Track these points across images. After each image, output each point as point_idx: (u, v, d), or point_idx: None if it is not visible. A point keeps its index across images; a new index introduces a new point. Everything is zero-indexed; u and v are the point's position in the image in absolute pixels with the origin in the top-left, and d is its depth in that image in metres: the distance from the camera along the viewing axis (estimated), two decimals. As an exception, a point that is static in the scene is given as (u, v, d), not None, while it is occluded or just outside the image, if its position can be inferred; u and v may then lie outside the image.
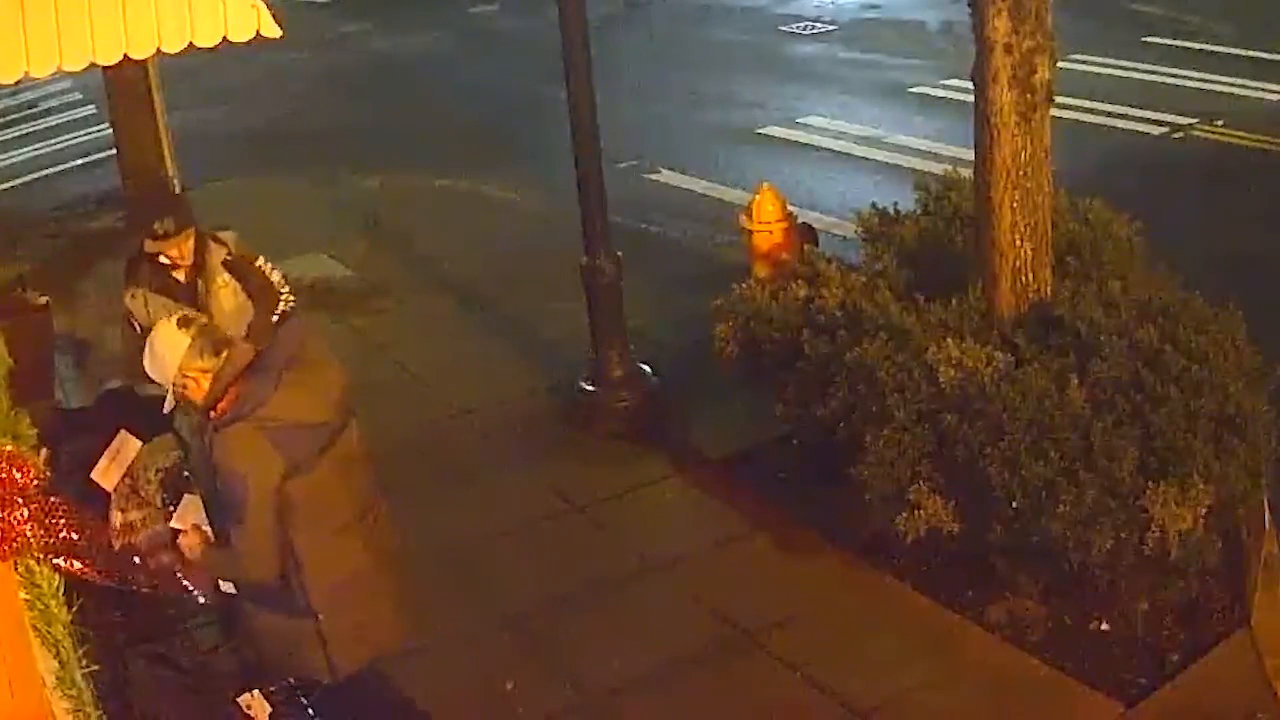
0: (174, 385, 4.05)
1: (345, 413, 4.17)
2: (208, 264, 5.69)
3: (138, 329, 5.55)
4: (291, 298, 5.89)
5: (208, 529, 4.27)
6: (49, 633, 3.39)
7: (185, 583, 4.61)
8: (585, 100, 6.95)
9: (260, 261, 5.82)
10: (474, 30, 19.28)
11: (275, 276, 5.86)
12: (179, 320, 4.14)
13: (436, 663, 5.04)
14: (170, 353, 4.03)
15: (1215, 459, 5.15)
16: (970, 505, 5.28)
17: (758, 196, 7.72)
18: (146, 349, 4.14)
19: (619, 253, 7.23)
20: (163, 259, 5.62)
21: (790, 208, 7.86)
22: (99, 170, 13.19)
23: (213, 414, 4.02)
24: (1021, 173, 5.63)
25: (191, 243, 5.61)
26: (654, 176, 11.90)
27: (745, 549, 6.20)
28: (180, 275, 5.66)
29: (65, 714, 3.30)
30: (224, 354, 4.03)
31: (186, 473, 5.01)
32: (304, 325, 4.28)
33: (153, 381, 4.21)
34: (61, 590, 3.58)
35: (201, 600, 4.75)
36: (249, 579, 4.11)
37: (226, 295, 5.69)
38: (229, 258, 5.74)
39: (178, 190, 11.02)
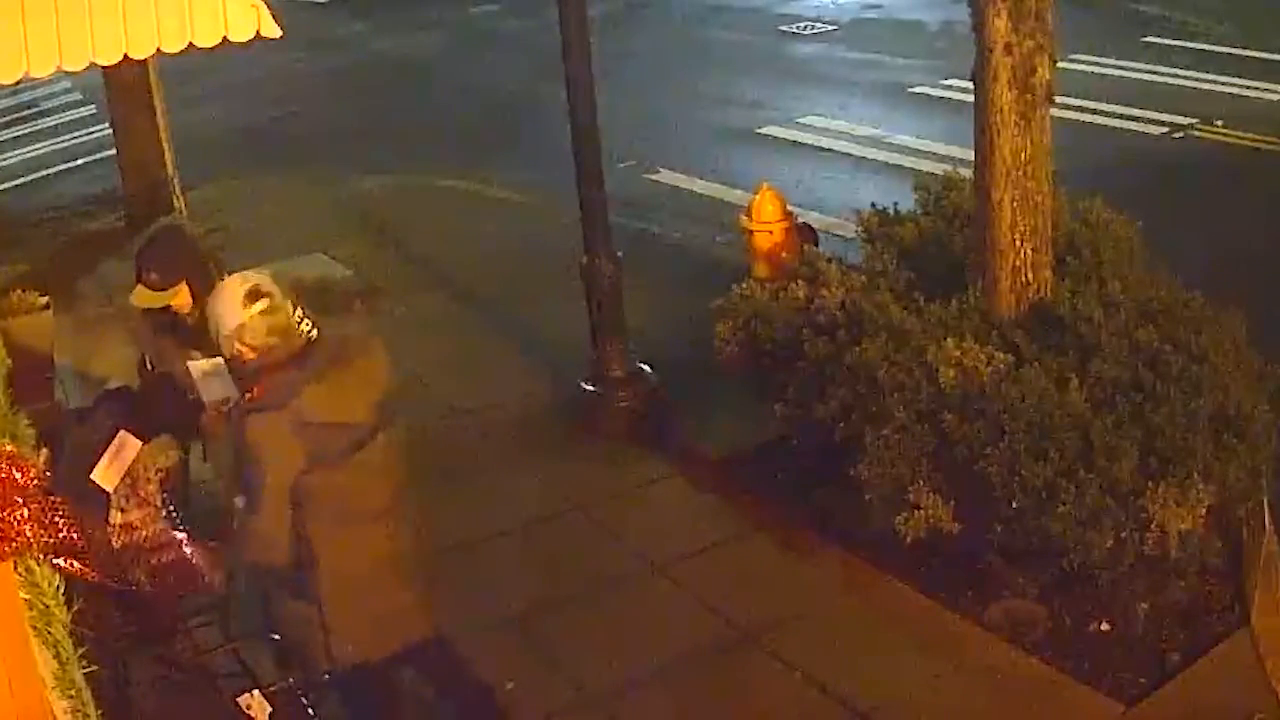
0: (226, 345, 4.14)
1: (382, 417, 4.18)
2: None
3: (150, 367, 5.27)
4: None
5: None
6: (49, 633, 3.39)
7: (195, 564, 4.64)
8: (585, 100, 6.95)
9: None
10: (474, 30, 19.29)
11: (305, 327, 5.22)
12: (249, 292, 4.14)
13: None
14: (226, 316, 4.11)
15: (1215, 459, 5.15)
16: (970, 505, 5.28)
17: (758, 196, 7.73)
18: (213, 297, 4.21)
19: (619, 253, 7.23)
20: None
21: (790, 208, 7.87)
22: (99, 170, 13.20)
23: (248, 396, 4.10)
24: (1021, 173, 5.63)
25: (186, 293, 5.01)
26: (654, 176, 11.91)
27: (745, 549, 6.20)
28: (189, 318, 5.11)
29: (65, 714, 3.29)
30: (276, 341, 4.09)
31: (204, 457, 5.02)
32: (354, 327, 4.35)
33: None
34: (61, 590, 3.58)
35: (212, 587, 4.77)
36: (262, 561, 4.17)
37: None
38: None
39: (178, 193, 11.02)
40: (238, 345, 4.11)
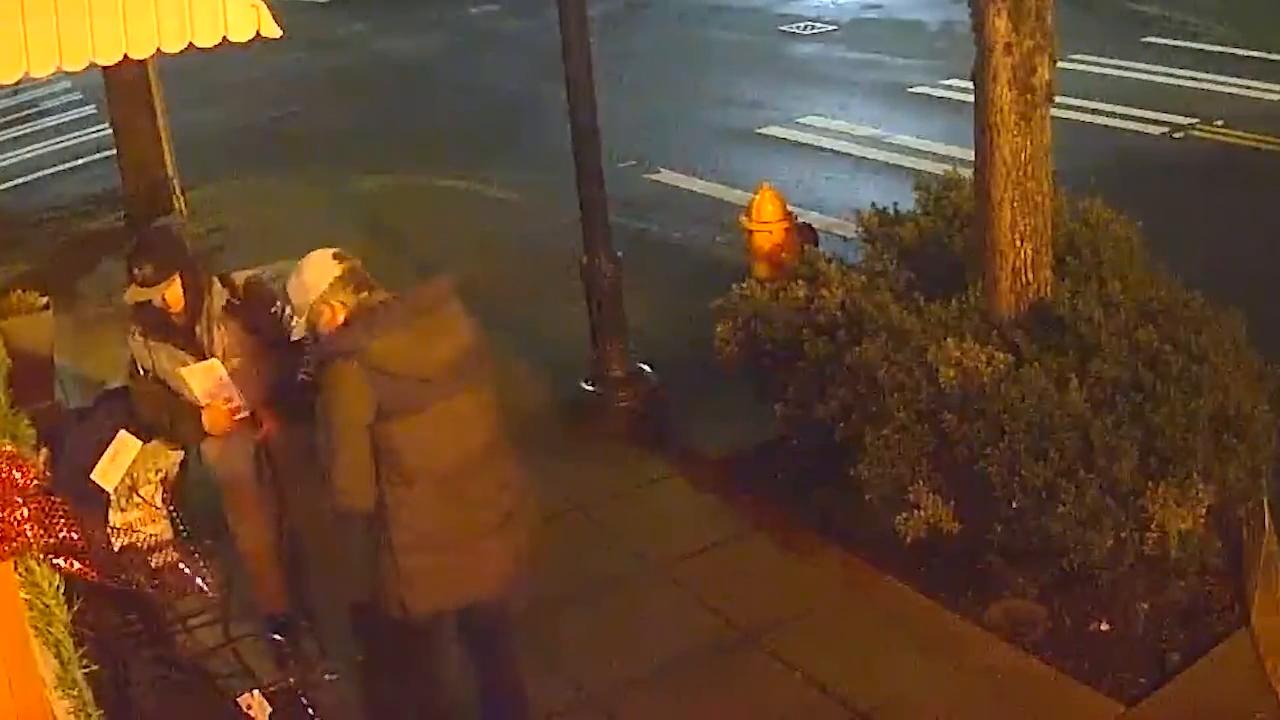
0: (311, 309, 4.23)
1: (459, 378, 4.26)
2: (207, 309, 5.10)
3: (141, 371, 5.19)
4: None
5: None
6: (49, 633, 3.39)
7: (188, 572, 4.64)
8: (585, 100, 6.95)
9: (276, 309, 5.17)
10: (474, 30, 19.28)
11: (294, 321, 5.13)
12: (335, 252, 4.30)
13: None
14: (317, 278, 4.23)
15: (1215, 459, 5.15)
16: (970, 505, 5.28)
17: (758, 196, 7.72)
18: (294, 273, 4.30)
19: (619, 253, 7.23)
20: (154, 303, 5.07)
21: (790, 208, 7.86)
22: (99, 170, 13.19)
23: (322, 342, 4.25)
24: (1021, 173, 5.63)
25: (178, 287, 5.00)
26: (654, 176, 11.90)
27: (745, 549, 6.20)
28: (178, 319, 5.10)
29: (65, 714, 3.30)
30: (364, 294, 4.23)
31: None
32: (443, 287, 4.47)
33: None
34: (61, 590, 3.59)
35: (208, 594, 4.78)
36: (346, 508, 4.27)
37: (232, 344, 5.12)
38: (235, 303, 5.14)
39: (178, 193, 11.03)
40: (332, 303, 4.22)
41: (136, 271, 4.97)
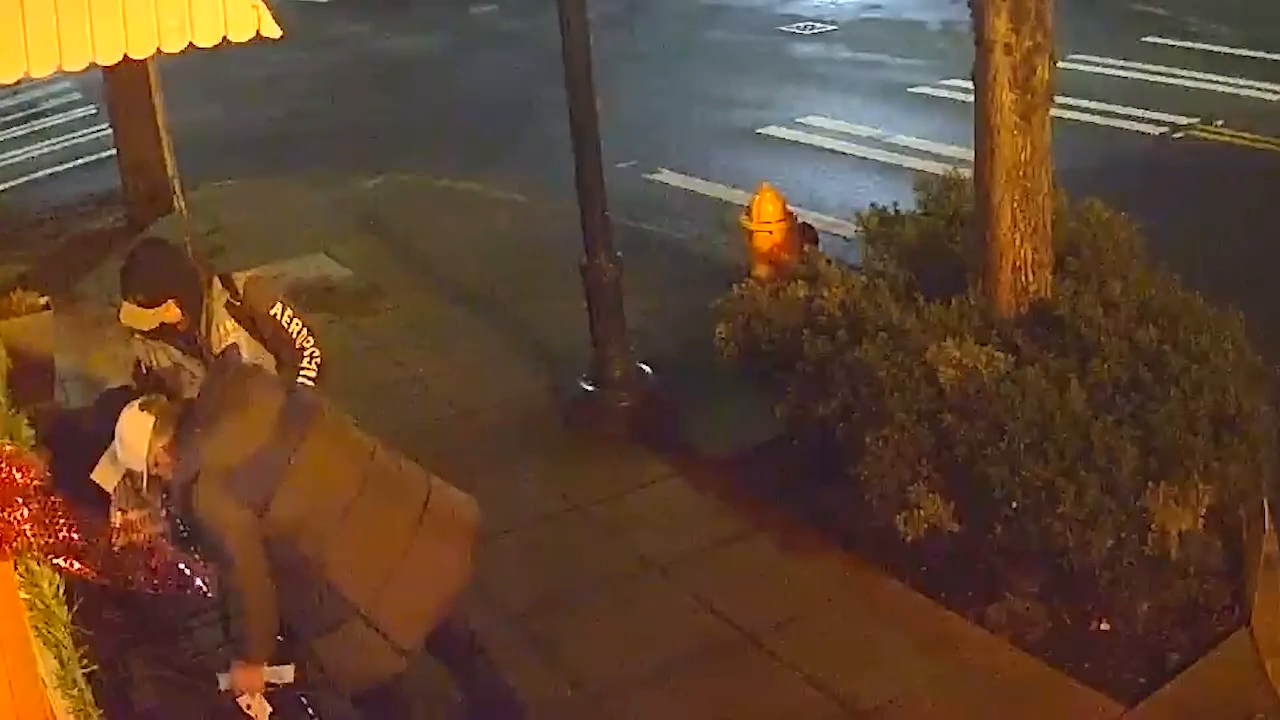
0: (149, 469, 4.18)
1: (297, 423, 4.22)
2: (207, 309, 5.05)
3: (145, 371, 5.17)
4: (317, 352, 5.10)
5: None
6: (49, 633, 3.40)
7: (188, 572, 4.64)
8: (585, 100, 6.94)
9: (276, 309, 5.09)
10: (474, 30, 19.29)
11: (295, 326, 5.12)
12: (140, 404, 4.23)
13: (435, 663, 5.03)
14: (138, 438, 4.15)
15: (1215, 459, 5.15)
16: (970, 505, 5.28)
17: (758, 196, 7.73)
18: (117, 440, 4.22)
19: (619, 253, 7.23)
20: None
21: (790, 208, 7.87)
22: (99, 170, 13.20)
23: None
24: (1021, 173, 5.63)
25: (174, 308, 4.94)
26: (654, 176, 11.90)
27: (745, 549, 6.19)
28: (179, 326, 5.05)
29: (65, 714, 3.30)
30: (175, 419, 4.17)
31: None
32: (227, 366, 4.43)
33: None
34: (61, 590, 3.59)
35: (207, 594, 4.78)
36: (262, 618, 4.17)
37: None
38: (235, 303, 5.06)
39: (178, 193, 11.01)
40: (160, 449, 4.16)
41: (129, 297, 4.93)
